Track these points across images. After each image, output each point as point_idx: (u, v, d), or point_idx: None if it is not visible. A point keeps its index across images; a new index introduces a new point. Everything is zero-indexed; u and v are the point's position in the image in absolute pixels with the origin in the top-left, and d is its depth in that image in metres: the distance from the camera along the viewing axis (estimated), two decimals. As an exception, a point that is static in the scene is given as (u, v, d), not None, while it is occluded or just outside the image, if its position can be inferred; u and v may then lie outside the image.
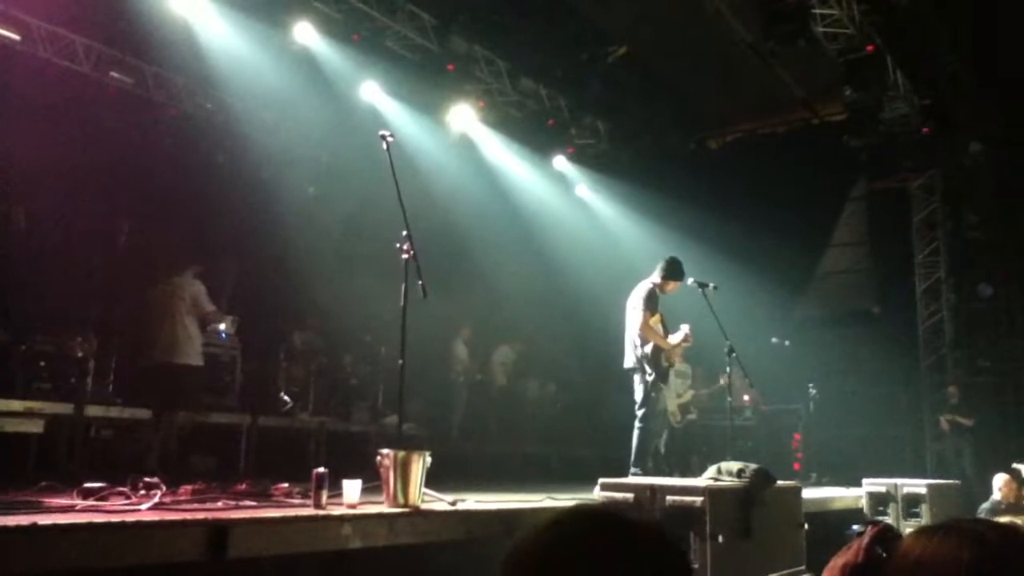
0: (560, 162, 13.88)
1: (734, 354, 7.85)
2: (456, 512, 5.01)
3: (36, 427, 7.38)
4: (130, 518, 3.58)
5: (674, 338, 7.68)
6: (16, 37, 9.83)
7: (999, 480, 8.68)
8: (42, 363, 8.39)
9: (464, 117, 12.12)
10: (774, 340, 10.35)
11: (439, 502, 5.17)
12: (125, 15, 9.33)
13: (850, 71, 10.21)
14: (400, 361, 5.87)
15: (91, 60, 10.48)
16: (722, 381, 8.76)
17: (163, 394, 7.85)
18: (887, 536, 1.48)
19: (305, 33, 10.08)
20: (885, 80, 10.65)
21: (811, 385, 10.97)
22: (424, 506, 4.94)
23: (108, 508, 3.98)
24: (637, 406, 7.59)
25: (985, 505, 8.43)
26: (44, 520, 3.23)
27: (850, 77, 10.21)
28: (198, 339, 8.06)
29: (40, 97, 9.38)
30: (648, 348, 7.53)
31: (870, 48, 10.14)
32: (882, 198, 13.08)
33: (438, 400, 12.11)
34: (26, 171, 9.02)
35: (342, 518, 4.27)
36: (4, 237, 8.75)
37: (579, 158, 13.96)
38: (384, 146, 6.00)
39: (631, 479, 6.51)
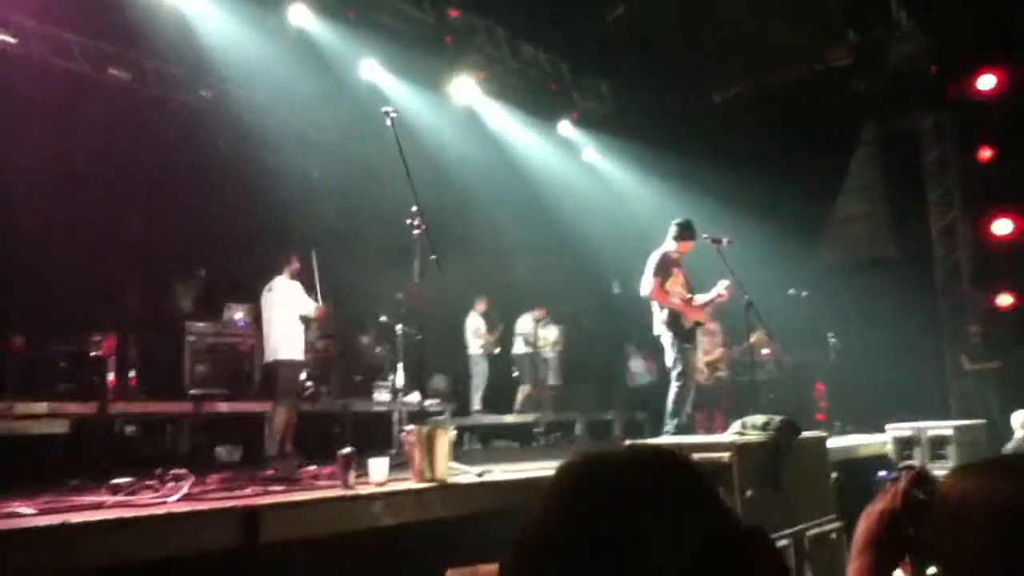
0: (565, 127, 13.76)
1: (752, 308, 7.88)
2: (483, 483, 5.02)
3: (62, 427, 7.45)
4: (160, 511, 3.59)
5: (702, 297, 7.85)
6: (12, 40, 9.78)
7: (1018, 418, 8.64)
8: (63, 364, 8.47)
9: (466, 89, 12.01)
10: (791, 291, 10.27)
11: (466, 475, 5.18)
12: (119, 10, 9.25)
13: (853, 14, 10.05)
14: (418, 336, 5.87)
15: (88, 58, 10.42)
16: (753, 338, 8.79)
17: (272, 389, 8.60)
18: (924, 479, 1.44)
19: (300, 15, 9.98)
20: (889, 21, 10.47)
21: (831, 334, 10.90)
22: (451, 480, 4.95)
23: (137, 503, 4.00)
24: (669, 368, 7.79)
25: (1009, 445, 8.40)
26: (75, 518, 3.24)
27: (853, 20, 10.06)
28: (297, 336, 8.73)
29: (40, 98, 9.36)
30: (665, 312, 7.74)
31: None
32: (893, 141, 12.90)
33: (461, 374, 12.15)
34: (31, 173, 9.03)
35: (371, 496, 4.28)
36: (13, 241, 8.78)
37: (584, 122, 13.83)
38: (388, 122, 5.97)
39: (660, 439, 6.51)
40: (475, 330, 12.48)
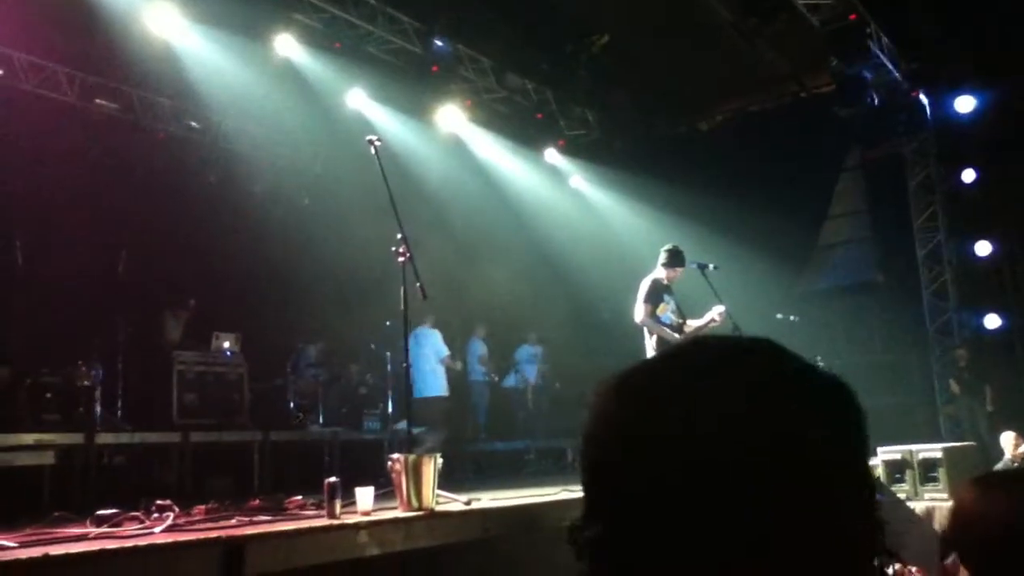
0: (552, 155, 13.83)
1: (739, 332, 7.90)
2: (472, 511, 5.00)
3: (48, 459, 7.37)
4: (143, 542, 3.56)
5: (695, 323, 7.87)
6: (-1, 72, 9.82)
7: (1007, 439, 8.67)
8: (49, 395, 8.38)
9: (452, 117, 12.09)
10: (779, 316, 10.32)
11: (454, 503, 5.16)
12: (105, 41, 9.29)
13: (834, 41, 10.16)
14: (404, 364, 5.87)
15: (75, 89, 10.46)
16: None
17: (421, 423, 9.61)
18: None
19: (286, 45, 10.04)
20: (870, 47, 10.59)
21: (818, 358, 10.88)
22: (439, 508, 4.92)
23: (121, 534, 3.97)
24: None
25: (998, 466, 8.41)
26: (56, 551, 3.21)
27: (834, 47, 10.17)
28: (439, 373, 10.43)
29: (27, 129, 9.37)
30: (655, 339, 7.77)
31: (852, 16, 10.10)
32: (877, 166, 13.03)
33: (453, 403, 12.12)
34: (17, 203, 9.02)
35: (357, 526, 4.26)
36: (2, 272, 8.75)
37: (571, 150, 13.92)
38: (372, 151, 6.00)
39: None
40: (480, 356, 12.51)
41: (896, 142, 12.55)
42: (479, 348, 12.56)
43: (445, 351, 10.58)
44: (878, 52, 10.75)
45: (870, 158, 13.07)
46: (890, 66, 11.14)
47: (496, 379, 12.85)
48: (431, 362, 10.50)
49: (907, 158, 12.75)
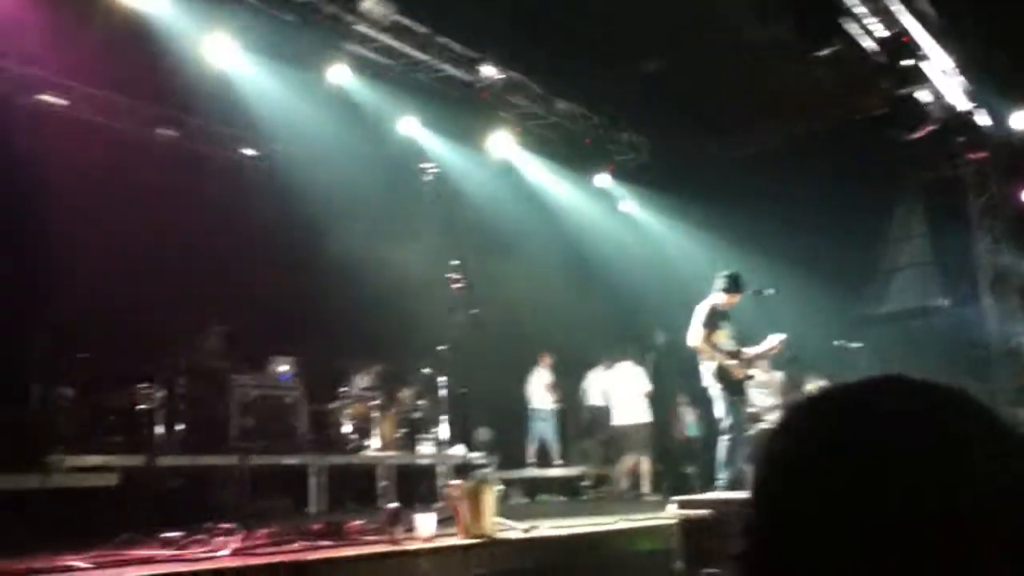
0: (602, 179, 13.84)
1: (796, 362, 7.85)
2: (531, 539, 4.98)
3: (111, 481, 7.51)
4: (211, 565, 3.61)
5: (753, 349, 7.81)
6: (63, 102, 10.14)
7: None
8: (112, 417, 8.57)
9: (503, 144, 12.18)
10: (837, 343, 10.13)
11: (512, 530, 5.14)
12: (164, 70, 9.54)
13: (888, 63, 10.02)
14: (463, 390, 5.87)
15: (135, 118, 10.76)
16: (810, 386, 8.72)
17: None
18: None
19: (339, 74, 10.20)
20: (924, 69, 10.43)
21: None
22: (498, 535, 4.91)
23: (188, 556, 4.02)
24: (718, 420, 7.77)
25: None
26: (130, 573, 3.27)
27: (888, 69, 10.03)
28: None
29: (89, 158, 9.62)
30: (713, 364, 7.72)
31: (905, 39, 9.96)
32: (936, 187, 12.78)
33: (504, 428, 12.12)
34: (80, 231, 9.26)
35: (418, 552, 4.27)
36: (62, 296, 8.98)
37: (621, 174, 13.90)
38: (426, 178, 6.06)
39: (708, 495, 6.42)
40: (548, 384, 12.62)
41: (955, 163, 12.31)
42: (546, 377, 12.69)
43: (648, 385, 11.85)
44: (933, 73, 10.58)
45: (929, 180, 12.82)
46: (946, 86, 10.96)
47: (563, 406, 12.90)
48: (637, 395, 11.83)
49: (967, 179, 12.49)
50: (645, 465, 11.66)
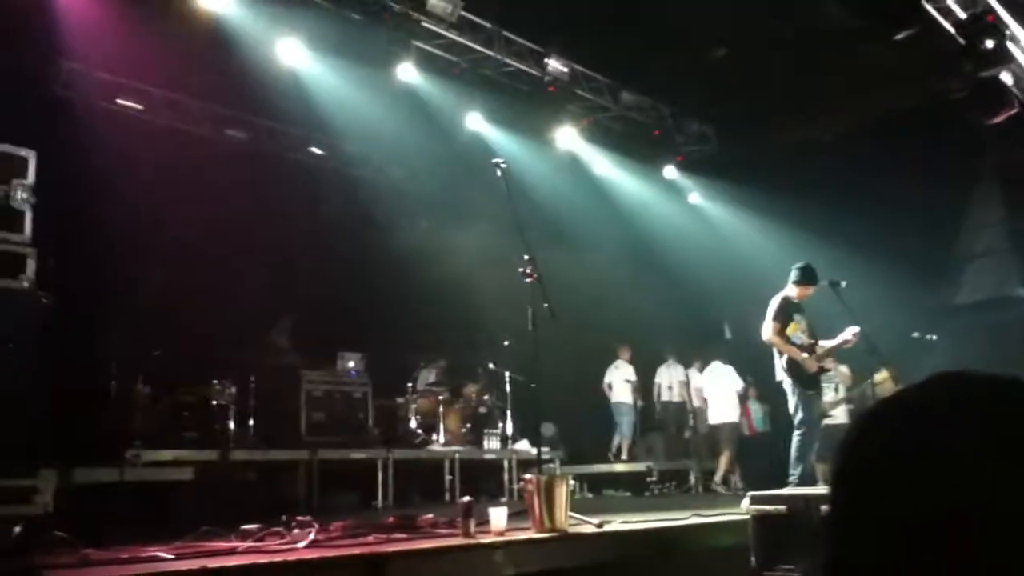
0: (670, 171, 13.68)
1: (876, 352, 7.62)
2: (604, 534, 4.93)
3: (186, 475, 7.67)
4: (291, 557, 3.65)
5: (828, 343, 7.65)
6: (139, 107, 10.40)
7: None
8: (186, 413, 8.77)
9: (569, 137, 12.13)
10: (915, 335, 9.84)
11: (586, 525, 5.09)
12: (235, 73, 9.71)
13: (969, 44, 9.67)
14: (533, 385, 5.85)
15: (207, 121, 10.98)
16: (878, 377, 8.50)
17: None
18: None
19: (407, 72, 10.26)
20: (1008, 49, 10.04)
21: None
22: (571, 529, 4.87)
23: (267, 548, 4.07)
24: (791, 415, 7.61)
25: None
26: (212, 564, 3.32)
27: (969, 51, 9.67)
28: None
29: (163, 160, 9.84)
30: (785, 358, 7.57)
31: (990, 18, 9.61)
32: (1015, 173, 12.29)
33: (569, 423, 12.08)
34: (156, 231, 9.49)
35: (493, 546, 4.25)
36: (142, 298, 9.19)
37: (689, 165, 13.72)
38: (498, 173, 6.03)
39: (784, 491, 6.28)
40: (627, 379, 12.69)
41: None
42: (626, 371, 12.79)
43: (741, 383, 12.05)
44: (1017, 54, 10.18)
45: (1008, 165, 12.34)
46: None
47: (641, 402, 12.94)
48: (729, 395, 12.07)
49: (1050, 164, 12.00)
50: (726, 461, 11.80)
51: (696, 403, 12.78)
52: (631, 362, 12.83)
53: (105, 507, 6.78)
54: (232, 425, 8.87)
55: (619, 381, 12.75)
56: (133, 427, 8.08)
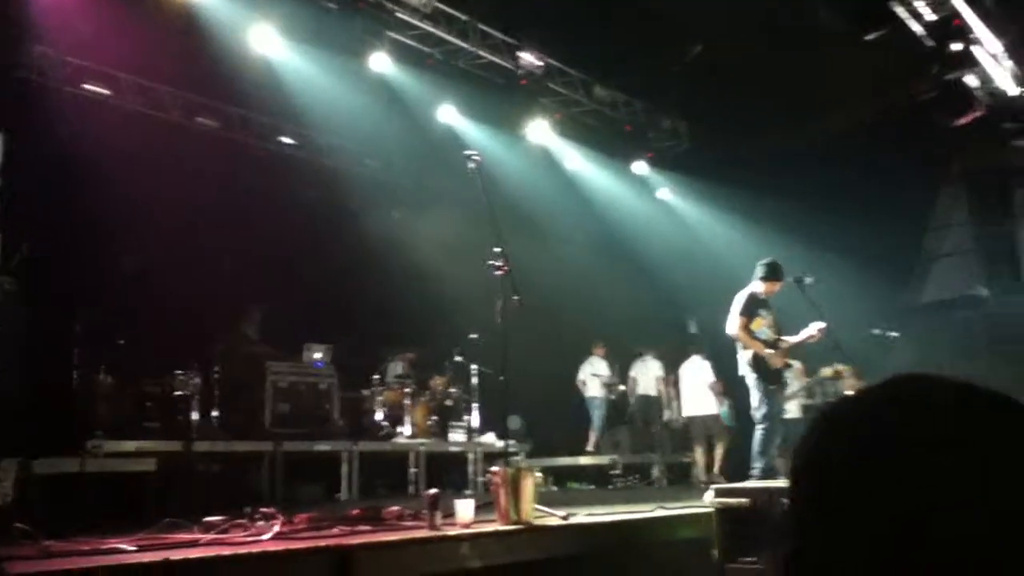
0: (640, 166, 13.75)
1: (839, 349, 7.72)
2: (570, 526, 4.95)
3: (149, 466, 7.58)
4: (255, 549, 3.62)
5: (793, 339, 7.72)
6: (107, 92, 10.24)
7: None
8: (149, 403, 8.66)
9: (541, 131, 12.15)
10: (875, 331, 9.98)
11: (551, 517, 5.11)
12: (208, 60, 9.60)
13: (937, 47, 9.83)
14: (501, 378, 5.85)
15: (178, 108, 10.84)
16: (830, 371, 8.63)
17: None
18: None
19: (380, 62, 10.20)
20: (973, 53, 10.21)
21: (920, 375, 10.53)
22: (537, 522, 4.89)
23: (231, 540, 4.04)
24: (753, 409, 7.67)
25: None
26: (176, 556, 3.29)
27: (938, 54, 9.83)
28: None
29: (132, 147, 9.71)
30: (749, 353, 7.65)
31: (956, 22, 9.76)
32: (981, 174, 12.55)
33: (535, 416, 12.11)
34: (122, 219, 9.35)
35: (459, 538, 4.25)
36: (112, 285, 9.07)
37: (659, 161, 13.80)
38: (471, 165, 6.01)
39: (747, 483, 6.35)
40: (595, 373, 12.87)
41: (1002, 150, 12.06)
42: (598, 366, 12.95)
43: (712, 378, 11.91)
44: (982, 57, 10.35)
45: (973, 167, 12.58)
46: (995, 71, 10.72)
47: (613, 396, 13.08)
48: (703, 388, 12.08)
49: (1013, 166, 12.24)
50: (699, 454, 12.01)
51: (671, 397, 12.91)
52: (605, 358, 12.95)
53: (66, 498, 6.68)
54: (196, 416, 8.77)
55: (589, 376, 12.92)
56: (95, 417, 7.98)
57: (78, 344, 8.37)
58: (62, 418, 7.89)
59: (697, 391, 12.07)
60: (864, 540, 0.76)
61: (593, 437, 12.83)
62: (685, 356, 12.40)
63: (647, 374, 13.00)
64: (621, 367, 13.19)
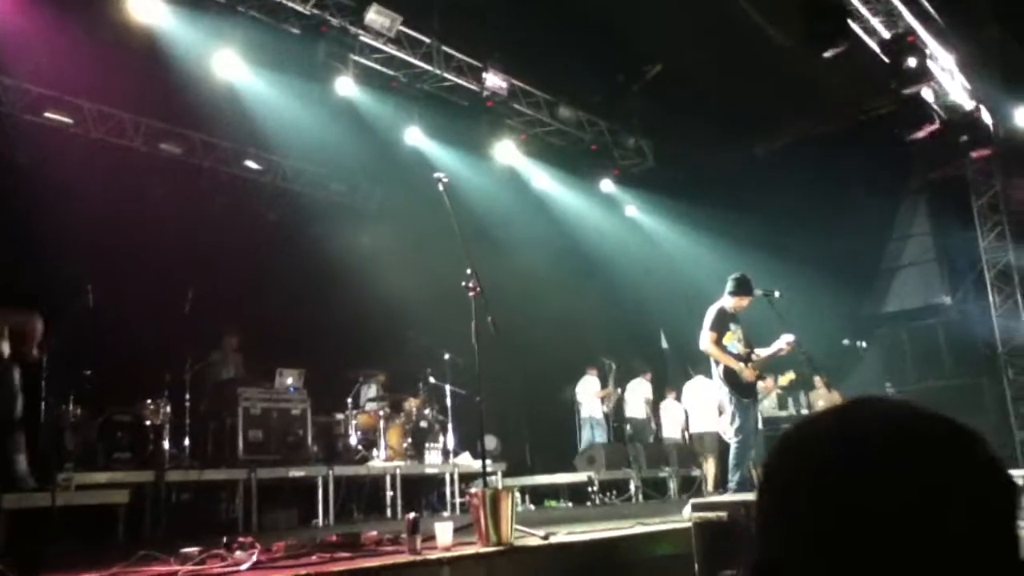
0: (607, 185, 13.86)
1: (811, 362, 7.82)
2: (551, 546, 4.94)
3: (121, 497, 7.48)
4: (234, 580, 3.58)
5: (763, 351, 7.81)
6: (69, 120, 10.14)
7: None
8: (120, 433, 8.54)
9: (508, 151, 12.21)
10: (845, 342, 10.14)
11: (531, 537, 5.11)
12: (170, 87, 9.55)
13: (893, 63, 10.05)
14: (478, 399, 5.85)
15: (140, 135, 10.76)
16: (782, 381, 8.73)
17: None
18: None
19: (345, 85, 10.21)
20: (929, 67, 10.45)
21: (888, 384, 10.72)
22: (517, 542, 4.88)
23: (209, 572, 3.99)
24: (728, 423, 7.74)
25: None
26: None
27: (894, 69, 10.05)
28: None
29: (96, 175, 9.62)
30: (722, 367, 7.70)
31: (911, 38, 9.99)
32: (940, 186, 12.84)
33: (510, 435, 12.12)
34: (89, 247, 9.25)
35: (440, 561, 4.23)
36: (76, 315, 8.94)
37: (625, 179, 13.93)
38: (440, 187, 6.04)
39: (724, 497, 6.40)
40: (595, 392, 12.85)
41: (960, 162, 12.36)
42: (594, 384, 12.96)
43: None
44: (937, 72, 10.60)
45: (933, 178, 12.87)
46: (950, 85, 10.99)
47: (607, 409, 13.09)
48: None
49: (971, 177, 12.53)
50: (709, 468, 11.98)
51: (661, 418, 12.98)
52: (600, 377, 13.00)
53: (38, 533, 6.56)
54: (167, 445, 8.66)
55: (586, 396, 13.03)
56: (64, 449, 7.85)
57: (44, 375, 8.24)
58: (30, 451, 7.76)
59: (703, 407, 12.10)
60: (811, 554, 0.85)
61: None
62: (678, 378, 12.45)
63: (637, 396, 13.08)
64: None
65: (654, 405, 13.14)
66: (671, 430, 12.85)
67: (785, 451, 0.94)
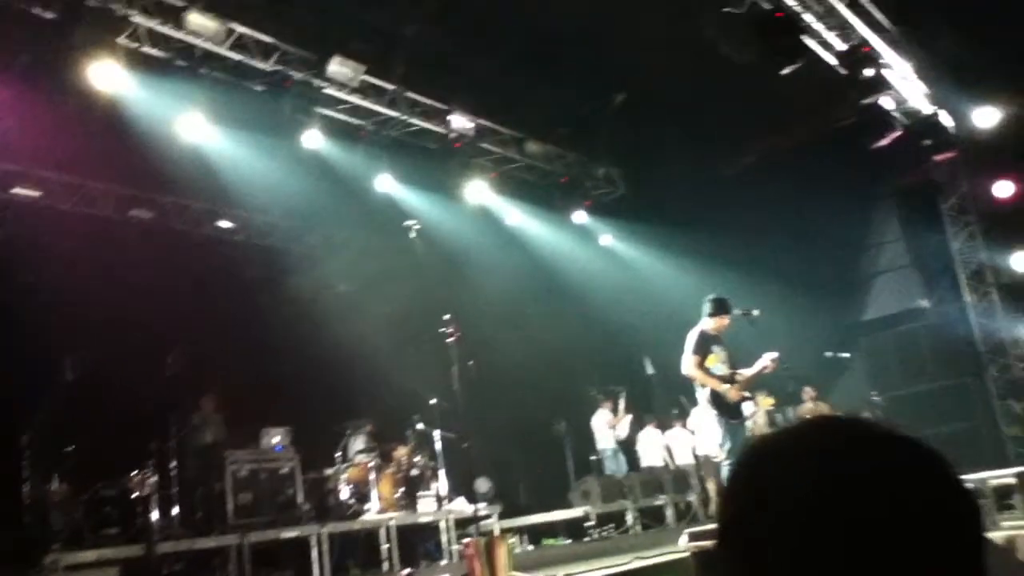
0: (580, 216, 13.91)
1: (796, 378, 7.81)
2: (549, 590, 4.88)
3: (111, 575, 7.33)
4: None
5: (748, 371, 7.75)
6: (36, 194, 10.09)
7: None
8: (106, 508, 8.38)
9: (479, 191, 12.24)
10: (828, 354, 10.15)
11: (530, 582, 5.04)
12: (136, 152, 9.53)
13: (852, 74, 10.19)
14: (465, 444, 5.81)
15: (110, 203, 10.72)
16: (765, 403, 8.71)
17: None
18: None
19: (313, 138, 10.22)
20: (886, 76, 10.62)
21: (874, 393, 10.73)
22: (515, 588, 4.81)
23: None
24: (717, 446, 7.67)
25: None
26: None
27: (853, 80, 10.19)
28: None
29: (68, 247, 9.56)
30: (707, 391, 7.63)
31: (866, 49, 10.15)
32: (910, 191, 12.97)
33: (506, 474, 12.03)
34: (67, 322, 9.15)
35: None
36: (56, 390, 8.84)
37: (598, 209, 13.98)
38: (412, 235, 6.05)
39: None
40: (607, 421, 12.77)
41: (926, 166, 12.50)
42: (605, 416, 12.86)
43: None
44: (894, 80, 10.76)
45: (901, 185, 13.00)
46: (908, 92, 11.15)
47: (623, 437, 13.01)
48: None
49: (938, 180, 12.67)
50: (715, 491, 11.87)
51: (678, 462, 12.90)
52: (613, 410, 12.91)
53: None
54: (156, 516, 8.51)
55: (600, 428, 12.95)
56: (49, 529, 7.70)
57: (25, 454, 8.11)
58: (14, 533, 7.61)
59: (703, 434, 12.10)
60: (767, 567, 0.87)
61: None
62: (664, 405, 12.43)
63: (651, 445, 13.04)
64: (579, 413, 13.17)
65: (631, 434, 13.07)
66: (651, 459, 12.75)
67: (748, 472, 0.96)
